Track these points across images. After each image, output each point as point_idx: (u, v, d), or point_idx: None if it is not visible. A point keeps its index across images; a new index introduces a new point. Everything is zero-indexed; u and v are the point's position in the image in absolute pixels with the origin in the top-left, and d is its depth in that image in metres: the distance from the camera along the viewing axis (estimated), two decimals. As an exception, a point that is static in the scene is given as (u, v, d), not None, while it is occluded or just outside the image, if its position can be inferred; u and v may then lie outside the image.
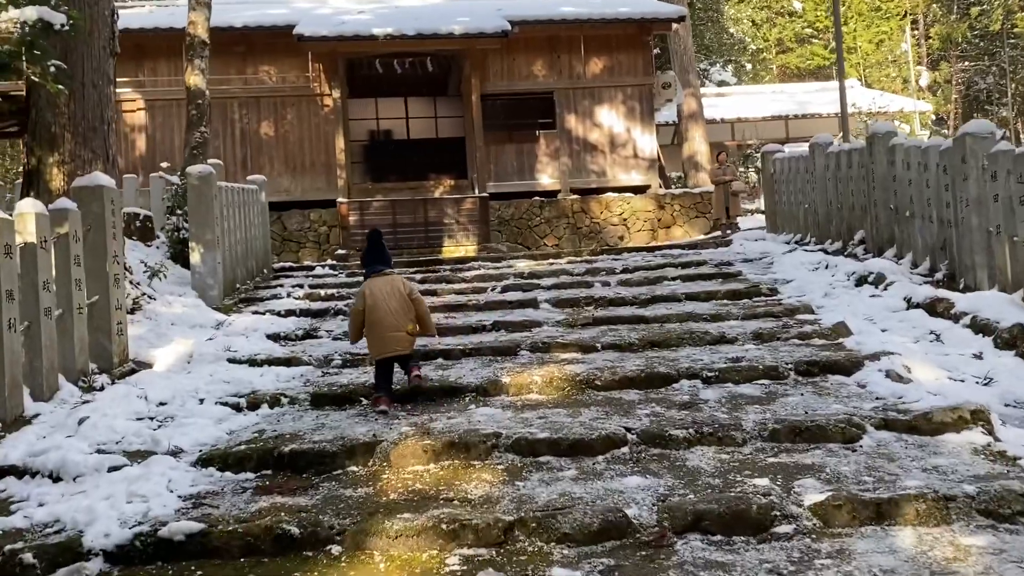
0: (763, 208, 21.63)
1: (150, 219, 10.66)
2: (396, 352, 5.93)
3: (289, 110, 18.84)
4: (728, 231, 16.96)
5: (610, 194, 19.05)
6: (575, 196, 19.00)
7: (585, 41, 19.41)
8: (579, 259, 12.30)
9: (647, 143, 19.75)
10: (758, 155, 24.87)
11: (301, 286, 10.82)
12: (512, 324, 8.08)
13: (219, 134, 18.63)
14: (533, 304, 9.00)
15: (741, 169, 25.33)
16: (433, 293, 10.05)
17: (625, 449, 4.87)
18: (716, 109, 26.93)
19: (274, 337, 8.08)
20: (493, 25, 17.48)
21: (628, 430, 5.02)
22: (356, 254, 17.19)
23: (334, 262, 13.26)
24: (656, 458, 4.76)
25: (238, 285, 10.42)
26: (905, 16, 40.27)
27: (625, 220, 18.93)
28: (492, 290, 10.04)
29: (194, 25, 11.55)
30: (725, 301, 8.69)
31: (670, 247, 12.81)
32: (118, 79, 18.98)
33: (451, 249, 17.45)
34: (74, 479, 4.81)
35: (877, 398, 5.50)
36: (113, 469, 4.86)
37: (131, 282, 8.09)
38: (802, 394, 5.66)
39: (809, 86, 30.73)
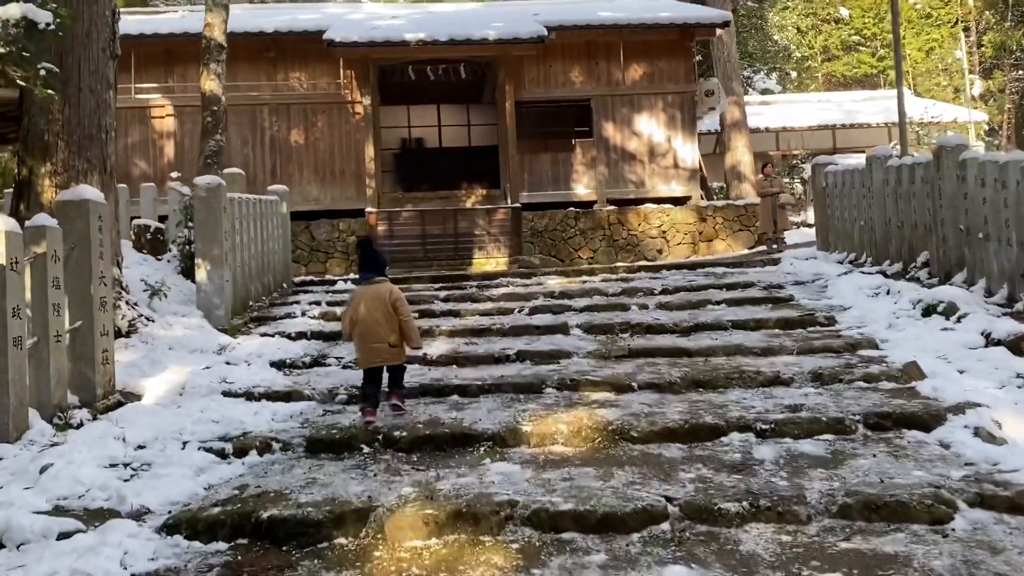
0: (810, 222, 20.58)
1: (162, 231, 10.03)
2: (380, 363, 5.78)
3: (319, 117, 18.23)
4: (775, 246, 15.99)
5: (649, 205, 18.15)
6: (612, 207, 18.13)
7: (624, 47, 18.56)
8: (615, 276, 11.44)
9: (688, 153, 18.81)
10: (804, 166, 23.80)
11: (318, 303, 10.10)
12: (539, 355, 7.25)
13: (248, 141, 18.10)
14: (563, 330, 8.16)
15: (786, 180, 24.24)
16: (456, 314, 9.27)
17: (665, 526, 4.02)
18: (760, 118, 25.88)
19: (279, 364, 7.34)
20: (529, 31, 16.70)
21: (669, 500, 4.17)
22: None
23: (357, 276, 12.55)
24: (703, 539, 3.90)
25: (251, 303, 9.73)
26: (956, 24, 38.79)
27: (664, 233, 18.01)
28: (519, 311, 9.22)
29: (210, 27, 10.92)
30: (777, 331, 7.78)
31: (713, 264, 11.89)
32: (146, 85, 18.67)
33: (481, 262, 16.69)
34: (18, 547, 4.08)
35: (966, 463, 4.58)
36: (63, 536, 4.12)
37: (127, 302, 7.42)
38: (875, 455, 4.76)
39: (857, 95, 29.49)
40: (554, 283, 11.15)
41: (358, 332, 5.81)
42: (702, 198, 18.98)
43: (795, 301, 8.89)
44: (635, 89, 18.75)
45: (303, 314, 9.40)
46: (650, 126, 18.73)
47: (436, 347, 7.78)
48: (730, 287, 9.89)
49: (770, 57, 32.75)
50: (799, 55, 35.92)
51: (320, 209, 18.02)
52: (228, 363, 7.28)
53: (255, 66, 18.24)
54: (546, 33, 16.66)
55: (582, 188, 18.46)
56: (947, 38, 37.62)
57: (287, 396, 6.37)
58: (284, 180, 17.98)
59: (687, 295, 9.65)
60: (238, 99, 18.08)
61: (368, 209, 16.86)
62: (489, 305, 9.66)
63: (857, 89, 34.47)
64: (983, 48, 38.51)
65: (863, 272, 9.80)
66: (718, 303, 9.01)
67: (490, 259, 16.55)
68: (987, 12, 39.49)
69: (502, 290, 10.73)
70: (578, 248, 17.79)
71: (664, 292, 9.88)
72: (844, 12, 36.77)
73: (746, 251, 17.73)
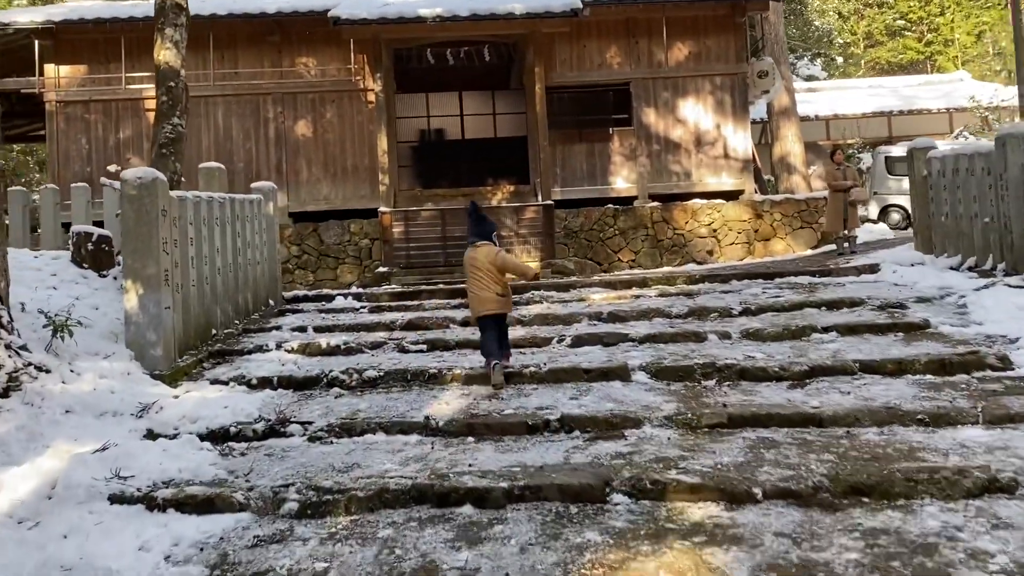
0: (873, 217, 17.87)
1: (108, 240, 7.67)
2: (488, 312, 6.01)
3: (329, 107, 15.87)
4: (845, 245, 13.36)
5: (697, 200, 15.58)
6: (655, 203, 15.59)
7: (668, 24, 15.98)
8: (673, 290, 8.91)
9: (740, 141, 16.20)
10: (862, 156, 21.04)
11: (303, 329, 7.69)
12: (593, 422, 4.75)
13: (251, 135, 15.78)
14: (622, 374, 5.67)
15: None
16: (477, 346, 6.83)
17: None
18: (808, 105, 23.13)
19: (217, 436, 4.93)
20: (561, 3, 14.18)
21: None
22: (400, 273, 14.10)
23: (360, 290, 10.09)
24: None
25: (216, 331, 7.35)
26: (1007, 6, 35.59)
27: (715, 231, 15.43)
28: (558, 342, 6.75)
29: (169, -17, 8.49)
30: (932, 379, 5.23)
31: (790, 272, 9.29)
32: (138, 74, 16.37)
33: (510, 267, 14.21)
34: None
35: None
36: None
37: (7, 345, 5.05)
38: None
39: (912, 79, 26.59)
40: (599, 298, 8.66)
41: (469, 288, 6.19)
42: (756, 192, 16.37)
43: (933, 328, 6.32)
44: (680, 71, 16.16)
45: (279, 346, 6.99)
46: (696, 112, 16.15)
47: (446, 403, 5.35)
48: (831, 305, 7.33)
49: (812, 43, 29.88)
50: (841, 41, 32.97)
51: (330, 209, 15.68)
52: (145, 435, 4.88)
53: (258, 51, 15.92)
54: (580, 6, 14.13)
55: (621, 182, 15.94)
56: (998, 21, 34.47)
57: (207, 503, 3.94)
58: (290, 177, 15.68)
59: (778, 317, 7.11)
60: (240, 88, 15.79)
61: (382, 209, 14.45)
62: (519, 332, 7.18)
63: (900, 76, 31.53)
64: (1036, 31, 35.28)
65: (1009, 285, 7.18)
66: (826, 330, 6.46)
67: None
68: (1038, -7, 36.24)
69: (535, 309, 8.25)
70: (618, 249, 15.27)
71: (746, 313, 7.35)
72: (888, -5, 33.79)
73: (809, 252, 15.10)
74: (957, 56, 32.59)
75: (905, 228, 18.28)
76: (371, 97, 15.45)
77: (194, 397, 5.51)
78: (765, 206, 15.59)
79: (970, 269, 8.63)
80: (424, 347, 6.86)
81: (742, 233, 15.43)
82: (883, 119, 23.43)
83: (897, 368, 5.41)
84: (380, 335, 7.47)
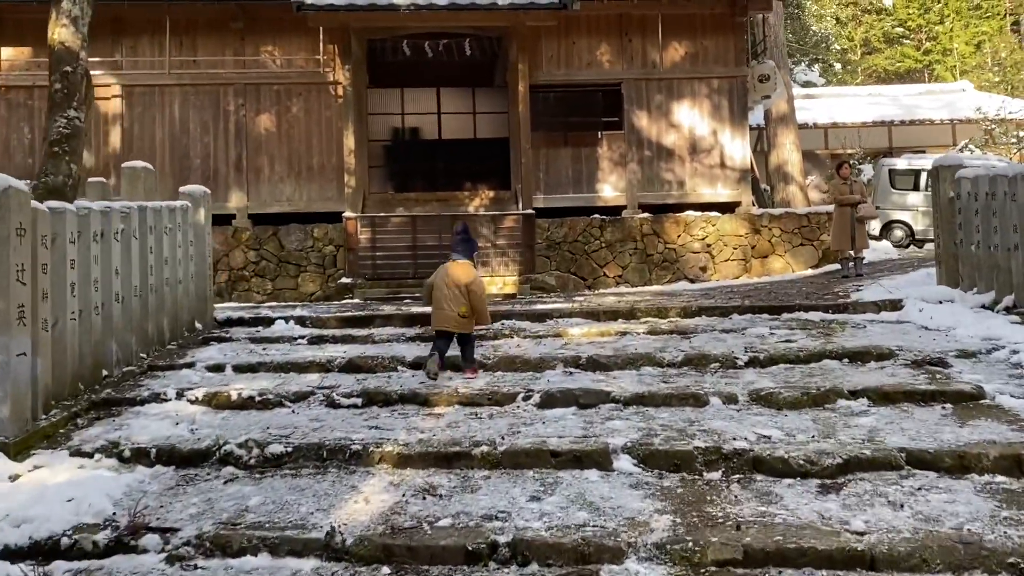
0: (876, 234, 16.61)
1: None
2: (445, 328, 6.14)
3: (295, 101, 14.42)
4: (851, 266, 12.06)
5: (690, 212, 14.24)
6: (645, 214, 14.24)
7: (663, 22, 14.60)
8: (665, 324, 7.56)
9: (738, 149, 14.86)
10: (863, 167, 19.77)
11: (221, 368, 6.30)
12: (556, 551, 3.40)
13: (209, 128, 14.31)
14: (600, 459, 4.29)
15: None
16: (423, 402, 5.44)
17: None
18: (805, 113, 21.83)
19: (41, 551, 3.53)
20: (548, -6, 12.80)
21: None
22: (364, 285, 12.69)
23: (305, 312, 8.61)
24: None
25: (108, 372, 5.94)
26: (1006, 16, 34.49)
27: (709, 246, 14.09)
28: (524, 398, 5.37)
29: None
30: (1008, 482, 3.89)
31: (804, 308, 7.92)
32: (91, 59, 14.84)
33: (485, 281, 12.84)
34: None
35: None
36: None
37: None
38: None
39: (912, 88, 25.32)
40: (579, 333, 7.30)
41: (434, 299, 6.27)
42: (753, 204, 15.04)
43: (989, 399, 4.97)
44: (675, 72, 14.80)
45: (180, 395, 5.58)
46: (692, 117, 14.80)
47: (365, 499, 3.97)
48: (855, 357, 5.98)
49: (810, 48, 28.60)
50: (838, 47, 31.71)
51: (294, 211, 14.24)
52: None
53: (219, 38, 14.43)
54: (569, -2, 12.76)
55: (609, 190, 14.58)
56: (996, 32, 33.34)
57: None
58: (251, 175, 14.23)
59: (792, 371, 5.77)
60: (199, 78, 14.30)
61: (346, 214, 13.04)
62: (479, 383, 5.81)
63: (898, 84, 30.30)
64: (1034, 42, 34.20)
65: (1070, 338, 5.87)
66: (853, 394, 5.12)
67: (495, 278, 12.72)
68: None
69: (503, 346, 6.89)
70: (604, 264, 13.92)
71: (754, 364, 6.00)
72: (887, 1, 32.51)
73: (810, 272, 13.80)
74: (955, 66, 31.42)
75: (907, 246, 17.02)
76: (341, 91, 14.02)
77: (36, 480, 4.12)
78: (763, 220, 14.27)
79: (1008, 310, 7.32)
80: (359, 401, 5.47)
81: (738, 249, 14.10)
82: (884, 129, 22.15)
83: (958, 464, 4.08)
84: (312, 379, 6.09)
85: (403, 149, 15.84)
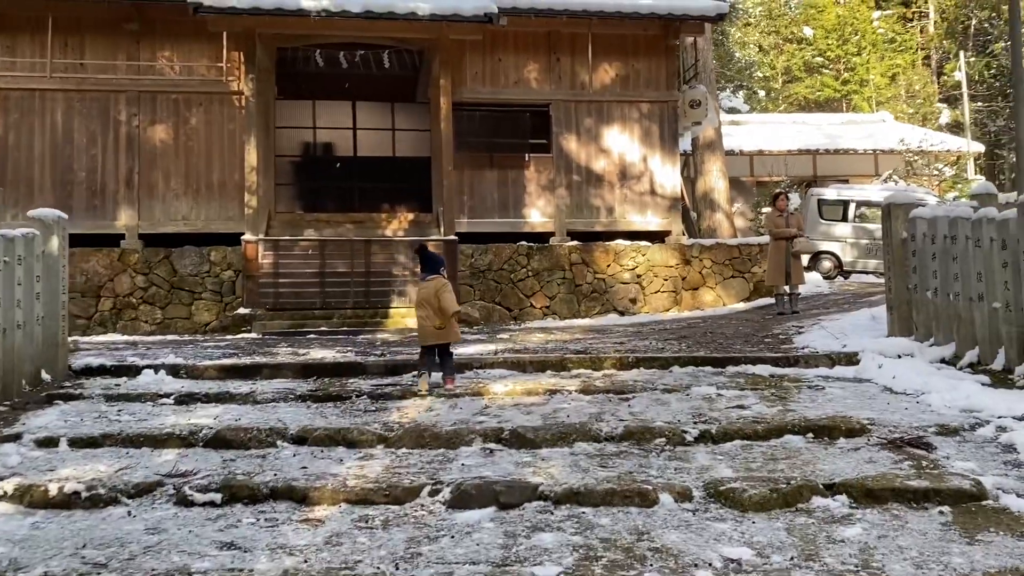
0: (805, 265, 16.04)
1: None
2: (428, 343, 6.39)
3: (195, 111, 12.97)
4: (785, 301, 11.33)
5: (620, 241, 13.36)
6: (574, 242, 13.29)
7: (594, 41, 13.72)
8: (599, 380, 6.51)
9: (668, 176, 14.07)
10: (789, 196, 19.26)
11: (53, 443, 4.94)
12: None
13: (96, 139, 12.73)
14: (524, 598, 3.21)
15: (765, 210, 19.72)
16: (301, 499, 4.20)
17: None
18: (732, 139, 21.37)
19: None
20: (473, 6, 11.75)
21: None
22: (265, 316, 11.32)
23: (180, 360, 7.21)
24: None
25: None
26: (918, 51, 35.17)
27: (639, 277, 13.21)
28: (431, 494, 4.21)
29: None
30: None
31: (749, 360, 6.98)
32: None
33: (401, 312, 11.66)
34: None
35: None
36: None
37: None
38: None
39: (835, 117, 25.26)
40: (502, 391, 6.19)
41: (416, 316, 6.52)
42: (684, 233, 14.26)
43: (992, 500, 4.04)
44: (605, 95, 13.95)
45: (-17, 488, 4.24)
46: (622, 141, 13.95)
47: None
48: (821, 432, 5.03)
49: (734, 74, 28.38)
50: (761, 75, 31.68)
51: (191, 232, 12.76)
52: None
53: (111, 41, 12.87)
54: (495, 11, 11.73)
55: (537, 215, 13.58)
56: (909, 65, 33.95)
57: None
58: (143, 191, 12.70)
59: (752, 451, 4.78)
60: (86, 83, 12.71)
61: (246, 236, 11.68)
62: (375, 467, 4.63)
63: (819, 112, 30.41)
64: (944, 77, 35.00)
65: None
66: (831, 490, 4.14)
67: (413, 309, 11.51)
68: (946, 41, 36.03)
69: (410, 409, 5.73)
70: (531, 294, 12.88)
71: (705, 439, 4.98)
72: (808, 32, 32.67)
73: (742, 306, 13.05)
74: (872, 96, 31.76)
75: (835, 277, 16.54)
76: (244, 102, 12.65)
77: None
78: (694, 251, 13.48)
79: (973, 368, 6.56)
80: (219, 497, 4.22)
81: (668, 280, 13.27)
82: (808, 157, 21.88)
83: (982, 606, 3.11)
84: (167, 459, 4.81)
85: (315, 166, 14.53)
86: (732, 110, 26.28)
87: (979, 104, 34.41)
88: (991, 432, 4.96)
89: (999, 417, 5.12)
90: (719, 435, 5.03)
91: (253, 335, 10.70)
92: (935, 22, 35.06)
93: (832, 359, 6.95)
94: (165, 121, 12.87)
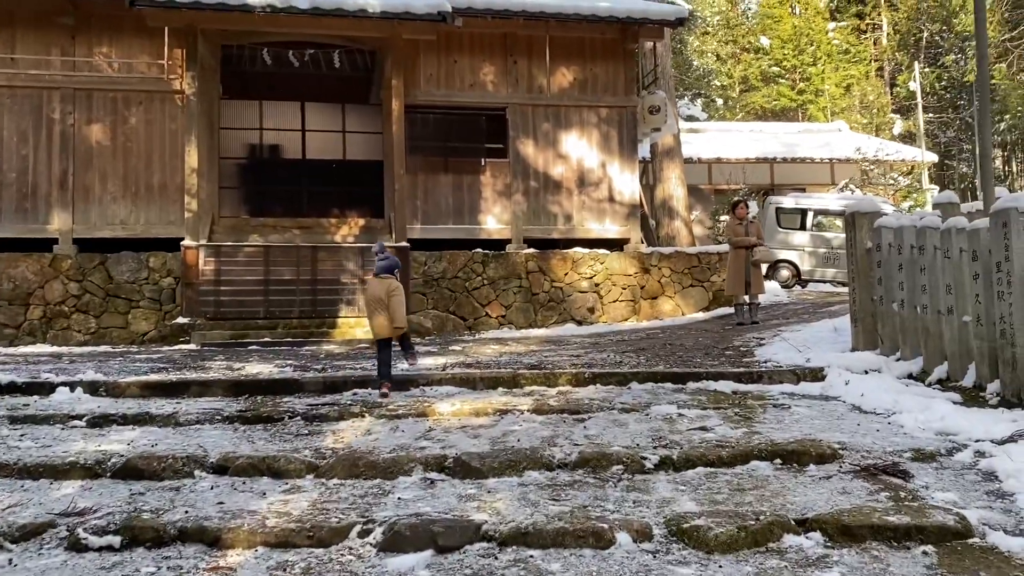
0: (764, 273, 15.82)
1: None
2: (382, 336, 6.36)
3: (134, 110, 12.29)
4: (745, 311, 11.04)
5: (578, 249, 12.97)
6: (531, 250, 12.87)
7: (551, 44, 13.33)
8: (554, 398, 6.07)
9: (627, 183, 13.74)
10: (748, 204, 19.06)
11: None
12: None
13: (28, 138, 11.98)
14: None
15: (724, 218, 19.52)
16: (216, 541, 3.71)
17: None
18: (690, 147, 21.16)
19: None
20: (426, 4, 11.27)
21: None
22: (205, 326, 10.69)
23: (100, 376, 6.58)
24: None
25: None
26: (871, 62, 35.55)
27: (597, 286, 12.83)
28: (361, 535, 3.72)
29: None
30: None
31: (710, 376, 6.60)
32: None
33: (350, 323, 11.11)
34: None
35: None
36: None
37: None
38: None
39: (792, 126, 25.26)
40: (449, 411, 5.72)
41: (368, 310, 6.54)
42: (642, 241, 13.92)
43: (978, 536, 3.67)
44: (563, 99, 13.56)
45: None
46: (580, 147, 13.58)
47: None
48: (790, 458, 4.64)
49: (692, 82, 28.28)
50: (718, 83, 31.68)
51: (130, 236, 12.07)
52: None
53: (44, 35, 12.13)
54: (448, 9, 11.27)
55: (493, 222, 13.13)
56: (863, 76, 34.26)
57: None
58: (78, 193, 11.97)
59: (716, 481, 4.37)
60: (16, 79, 11.95)
61: (186, 241, 11.03)
62: (299, 503, 4.12)
63: (775, 121, 30.48)
64: (897, 88, 35.40)
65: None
66: (803, 527, 3.73)
67: (364, 319, 10.99)
68: (898, 53, 36.49)
69: (346, 432, 5.22)
70: (486, 303, 12.42)
71: (666, 466, 4.56)
72: (764, 41, 32.77)
73: (701, 315, 12.74)
74: (827, 107, 31.95)
75: (792, 286, 16.35)
76: (185, 101, 11.99)
77: None
78: (653, 259, 13.14)
79: (942, 384, 6.25)
80: (117, 540, 3.67)
81: (627, 289, 12.90)
82: (766, 166, 21.76)
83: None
84: (67, 492, 4.26)
85: (261, 169, 13.90)
86: (690, 118, 26.16)
87: (930, 115, 34.88)
88: (969, 457, 4.62)
89: (976, 441, 4.79)
90: (681, 461, 4.62)
91: (191, 346, 10.06)
92: (888, 34, 35.47)
93: (797, 374, 6.61)
94: (102, 120, 12.16)
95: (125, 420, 5.46)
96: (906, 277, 6.89)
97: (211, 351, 9.48)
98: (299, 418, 5.64)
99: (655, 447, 4.82)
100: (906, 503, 3.99)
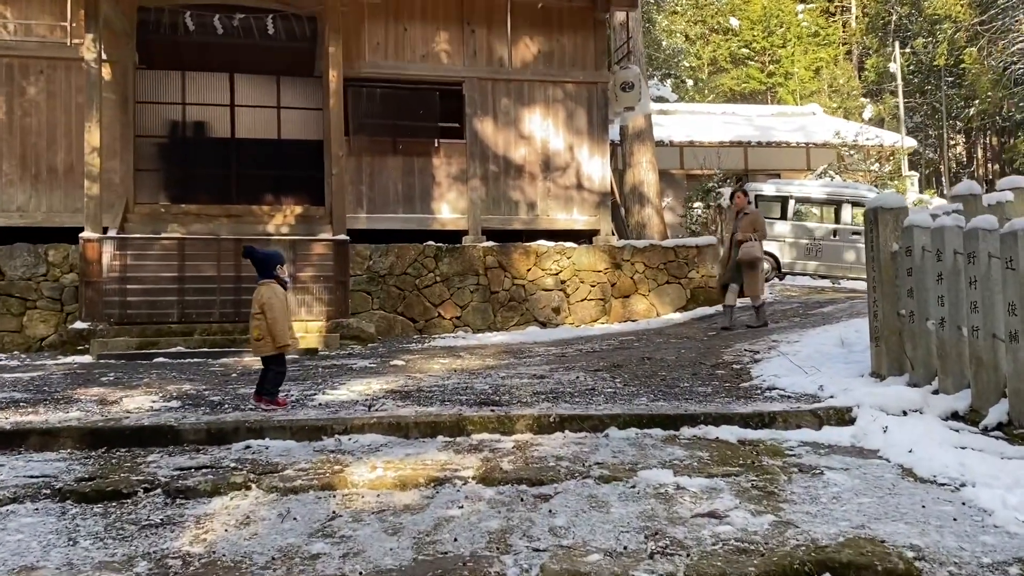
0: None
1: None
2: (256, 354, 5.61)
3: (34, 80, 10.44)
4: (733, 316, 9.54)
5: (542, 242, 11.41)
6: (489, 243, 11.28)
7: (513, 11, 11.71)
8: (506, 457, 4.52)
9: (597, 168, 12.18)
10: (722, 190, 17.64)
11: None
12: None
13: (-95, 110, 10.07)
14: None
15: (697, 205, 18.04)
16: None
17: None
18: (661, 129, 19.67)
19: None
20: (369, -40, 9.54)
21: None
22: (108, 332, 8.95)
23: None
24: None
25: None
26: (840, 46, 34.30)
27: (563, 283, 11.30)
28: None
29: None
30: None
31: (709, 420, 5.04)
32: None
33: (280, 328, 9.41)
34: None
35: None
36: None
37: None
38: None
39: (766, 109, 23.87)
40: (365, 481, 4.12)
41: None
42: (613, 233, 12.41)
43: None
44: (527, 73, 11.94)
45: None
46: (546, 128, 11.98)
47: None
48: (843, 574, 3.16)
49: (661, 62, 26.74)
50: (687, 64, 30.18)
51: (29, 226, 10.29)
52: None
53: (-76, -10, 10.23)
54: (396, -33, 9.56)
55: (447, 211, 11.51)
56: (832, 60, 33.00)
57: None
58: (-35, 177, 10.11)
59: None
60: None
61: (86, 234, 9.26)
62: None
63: (746, 104, 29.11)
64: (865, 72, 34.23)
65: None
66: None
67: (295, 322, 9.30)
68: (866, 37, 35.31)
69: (215, 524, 3.62)
70: (439, 302, 10.82)
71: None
72: (734, 22, 31.32)
73: (679, 316, 11.27)
74: (796, 90, 30.65)
75: (771, 279, 14.95)
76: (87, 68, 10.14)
77: None
78: (625, 253, 11.63)
79: (1004, 429, 4.81)
80: None
81: (596, 287, 11.38)
82: (740, 150, 20.34)
83: None
84: None
85: (184, 149, 12.08)
86: (660, 99, 24.65)
87: (897, 100, 33.72)
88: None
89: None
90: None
91: (87, 359, 8.33)
92: (857, 16, 34.26)
93: (819, 416, 5.12)
94: (-5, 91, 10.29)
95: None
96: (947, 290, 5.43)
97: (106, 367, 7.77)
98: (159, 492, 4.01)
99: (651, 555, 3.28)
100: None
